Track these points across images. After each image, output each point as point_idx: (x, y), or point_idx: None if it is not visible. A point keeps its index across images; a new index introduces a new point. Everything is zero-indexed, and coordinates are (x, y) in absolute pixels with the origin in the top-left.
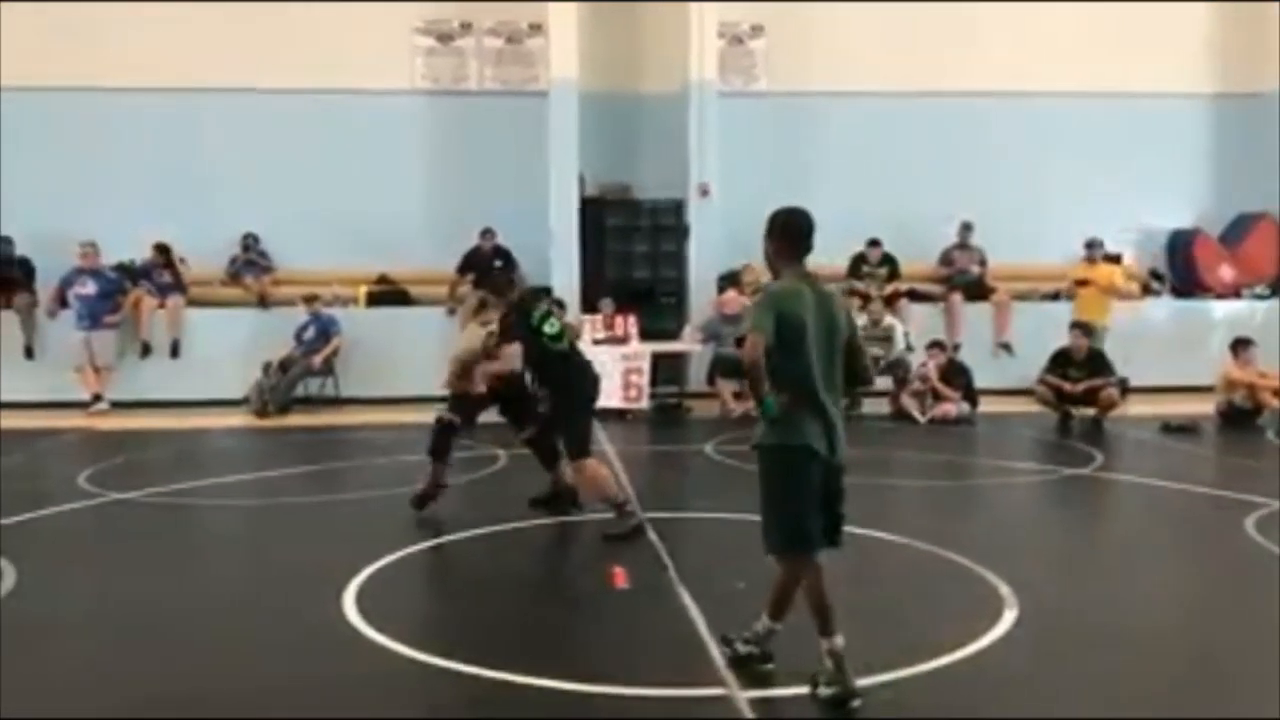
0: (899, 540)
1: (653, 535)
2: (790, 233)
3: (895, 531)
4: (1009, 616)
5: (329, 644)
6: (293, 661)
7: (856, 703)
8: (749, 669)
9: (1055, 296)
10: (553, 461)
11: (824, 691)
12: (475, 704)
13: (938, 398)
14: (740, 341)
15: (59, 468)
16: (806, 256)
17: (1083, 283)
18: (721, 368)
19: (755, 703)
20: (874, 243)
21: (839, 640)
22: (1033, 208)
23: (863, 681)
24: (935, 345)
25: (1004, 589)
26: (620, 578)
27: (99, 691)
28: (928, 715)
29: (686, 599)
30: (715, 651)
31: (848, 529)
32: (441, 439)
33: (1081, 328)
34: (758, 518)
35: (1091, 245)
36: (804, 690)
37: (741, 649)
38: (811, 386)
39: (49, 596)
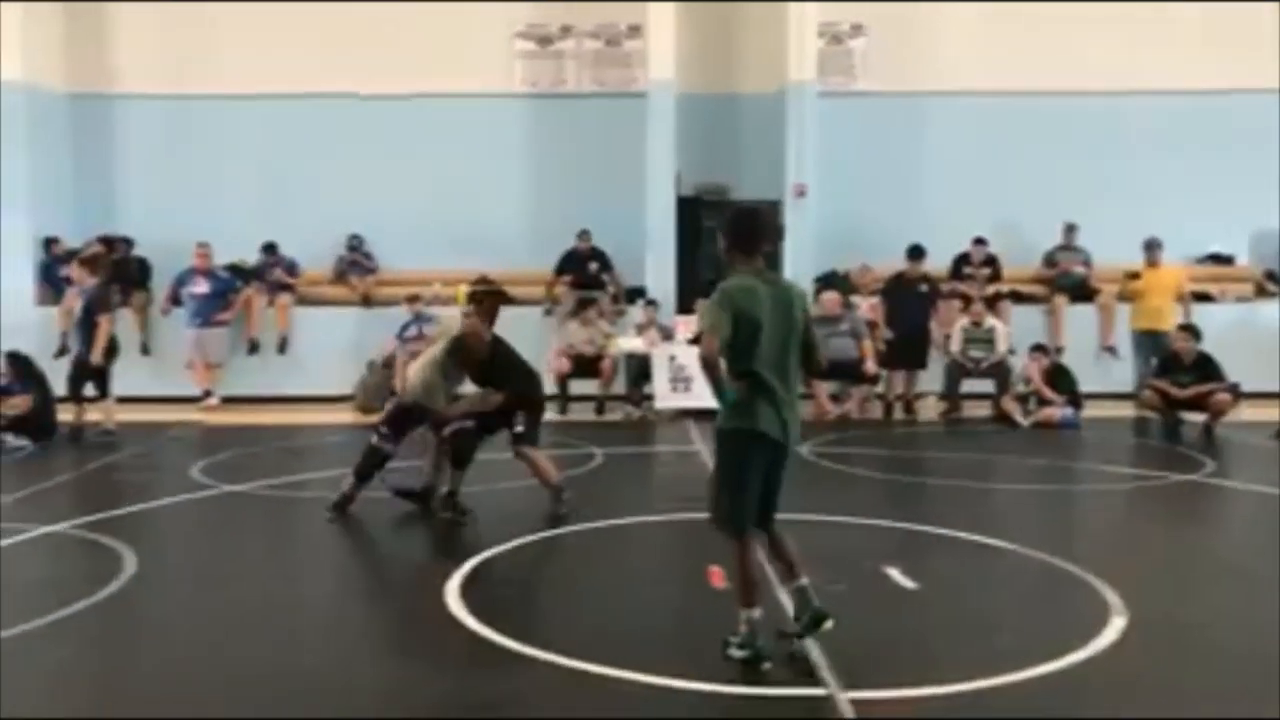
0: (1004, 545)
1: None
2: (741, 231)
3: (1000, 537)
4: (1117, 624)
5: (432, 633)
6: (396, 649)
7: (766, 665)
8: (847, 671)
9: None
10: (465, 462)
11: (735, 653)
12: (579, 697)
13: (1041, 402)
14: (697, 340)
15: (174, 460)
16: (760, 254)
17: (1134, 275)
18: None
19: (857, 703)
20: (979, 241)
21: (757, 613)
22: (1140, 208)
23: (968, 686)
24: (1038, 349)
25: (1112, 596)
26: (718, 577)
27: (214, 670)
28: None
29: (785, 599)
30: (816, 652)
31: (952, 534)
32: (370, 464)
33: (1189, 330)
34: (857, 520)
35: (1150, 246)
36: (907, 692)
37: (736, 653)
38: (765, 377)
39: (168, 581)
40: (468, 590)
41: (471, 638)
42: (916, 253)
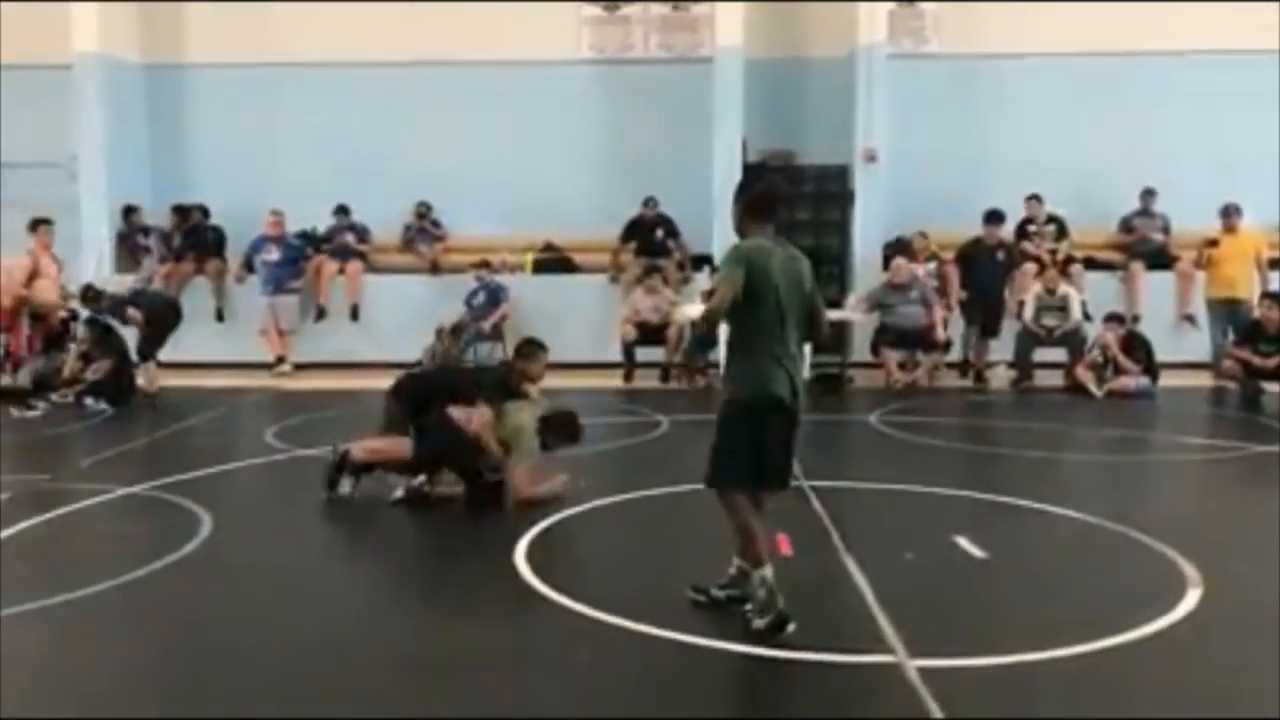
0: (1076, 515)
1: (816, 504)
2: (754, 199)
3: (1073, 507)
4: (1193, 596)
5: (501, 595)
6: (466, 607)
7: (792, 626)
8: (915, 639)
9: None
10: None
11: (758, 622)
12: (647, 661)
13: (1117, 370)
14: (709, 295)
15: (248, 424)
16: (772, 222)
17: (1212, 243)
18: (886, 338)
19: (924, 671)
20: (1034, 197)
21: (768, 571)
22: (1220, 174)
23: (1038, 656)
24: (1113, 318)
25: (1188, 568)
26: (785, 544)
27: (289, 628)
28: (1108, 691)
29: (852, 567)
30: (883, 620)
31: (1023, 503)
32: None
33: (1274, 298)
34: (926, 489)
35: (1228, 212)
36: (976, 661)
37: (758, 623)
38: (772, 336)
39: (243, 542)
40: (535, 553)
41: (537, 598)
42: (995, 217)
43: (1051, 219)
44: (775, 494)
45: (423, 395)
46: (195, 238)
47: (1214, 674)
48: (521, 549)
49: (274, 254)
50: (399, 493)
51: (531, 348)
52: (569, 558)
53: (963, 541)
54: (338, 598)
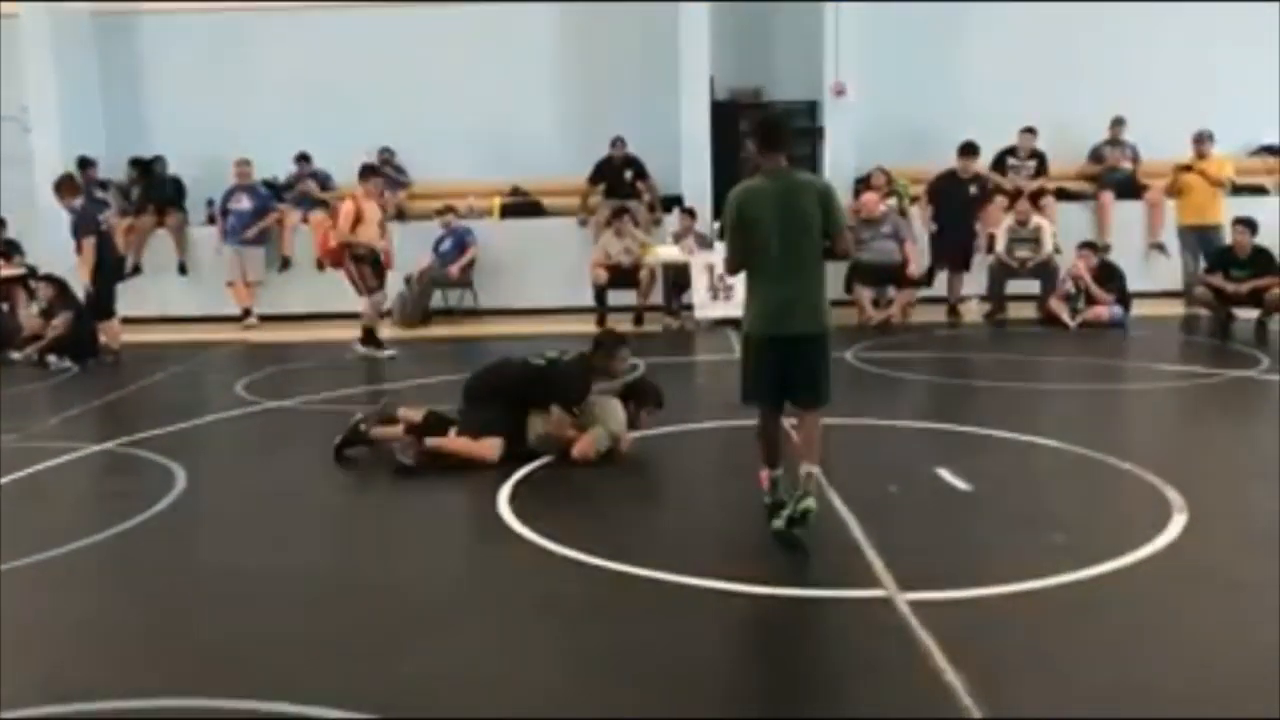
0: (1058, 445)
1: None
2: (762, 133)
3: (1053, 437)
4: (1178, 521)
5: (484, 538)
6: (454, 556)
7: (783, 514)
8: (904, 573)
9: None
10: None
11: (767, 499)
12: (638, 602)
13: (1090, 301)
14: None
15: (217, 378)
16: (781, 153)
17: (1185, 169)
18: (860, 274)
19: (915, 605)
20: (1028, 130)
21: (778, 471)
22: (1190, 101)
23: (1029, 586)
24: (1087, 246)
25: (1171, 494)
26: (765, 480)
27: (273, 580)
28: (1103, 619)
29: (837, 502)
30: (871, 554)
31: (1004, 435)
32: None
33: (1246, 224)
34: (906, 423)
35: (1200, 139)
36: (966, 592)
37: (767, 499)
38: (772, 271)
39: (220, 496)
40: (517, 499)
41: (525, 543)
42: (969, 149)
43: (1035, 154)
44: (812, 409)
45: (511, 393)
46: (154, 190)
47: (1206, 596)
48: (504, 495)
49: (243, 203)
50: (407, 459)
51: (613, 343)
52: (553, 502)
53: (945, 474)
54: (319, 549)
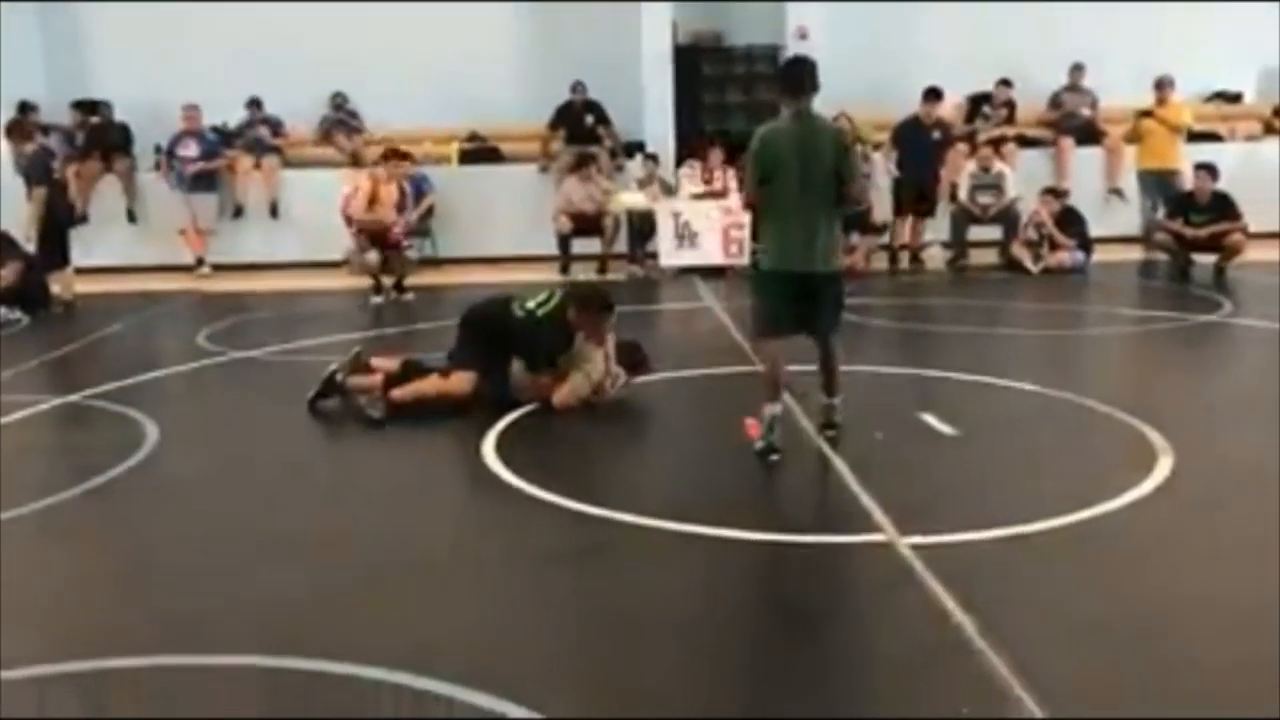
0: (1036, 389)
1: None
2: (785, 77)
3: (1030, 381)
4: (1165, 463)
5: (472, 487)
6: (437, 501)
7: (775, 457)
8: (902, 517)
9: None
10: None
11: (758, 444)
12: (640, 551)
13: (1052, 246)
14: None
15: (176, 328)
16: (802, 97)
17: (1146, 114)
18: None
19: (917, 548)
20: (1004, 82)
21: (777, 409)
22: (1147, 48)
23: (1027, 529)
24: (1049, 192)
25: (1154, 436)
26: (754, 429)
27: (256, 533)
28: (1103, 559)
29: (826, 449)
30: (867, 499)
31: (981, 379)
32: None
33: (1208, 169)
34: (882, 369)
35: (1161, 84)
36: (966, 536)
37: (758, 445)
38: (788, 206)
39: (194, 447)
40: (503, 447)
41: (515, 492)
42: (933, 95)
43: (1007, 103)
44: (819, 337)
45: (492, 334)
46: (100, 135)
47: (1202, 533)
48: (490, 443)
49: (191, 149)
50: (376, 412)
51: (599, 307)
52: (539, 450)
53: (930, 419)
54: (304, 502)
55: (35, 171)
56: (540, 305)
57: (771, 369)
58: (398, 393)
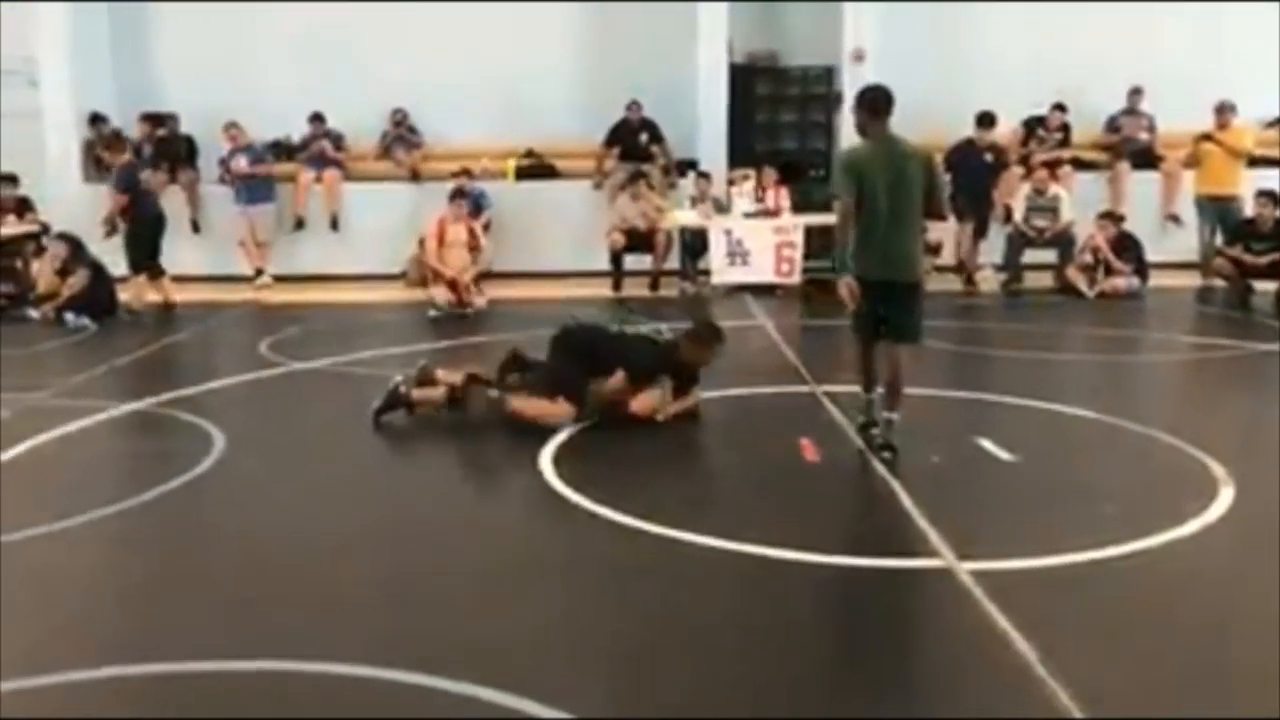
0: (1094, 416)
1: (833, 409)
2: (871, 104)
3: (1088, 407)
4: (1226, 494)
5: (532, 502)
6: (498, 515)
7: (875, 430)
8: (961, 542)
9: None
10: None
11: (859, 418)
12: (692, 567)
13: (1109, 271)
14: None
15: (239, 338)
16: (886, 119)
17: (1206, 138)
18: None
19: (977, 574)
20: (1059, 107)
21: (873, 395)
22: (1207, 72)
23: (1087, 556)
24: (1106, 216)
25: (1215, 466)
26: (809, 450)
27: (324, 538)
28: (1168, 588)
29: (882, 471)
30: (924, 524)
31: (1038, 405)
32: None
33: (1270, 196)
34: (937, 392)
35: (1222, 109)
36: (1024, 563)
37: (859, 418)
38: (876, 224)
39: (261, 456)
40: (560, 463)
41: (573, 508)
42: (986, 120)
43: (1063, 127)
44: (902, 342)
45: (588, 353)
46: (167, 147)
47: (1268, 565)
48: (547, 458)
49: (242, 164)
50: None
51: (711, 336)
52: (597, 467)
53: (987, 444)
54: (368, 514)
55: (122, 183)
56: (657, 334)
57: (861, 361)
58: (517, 403)
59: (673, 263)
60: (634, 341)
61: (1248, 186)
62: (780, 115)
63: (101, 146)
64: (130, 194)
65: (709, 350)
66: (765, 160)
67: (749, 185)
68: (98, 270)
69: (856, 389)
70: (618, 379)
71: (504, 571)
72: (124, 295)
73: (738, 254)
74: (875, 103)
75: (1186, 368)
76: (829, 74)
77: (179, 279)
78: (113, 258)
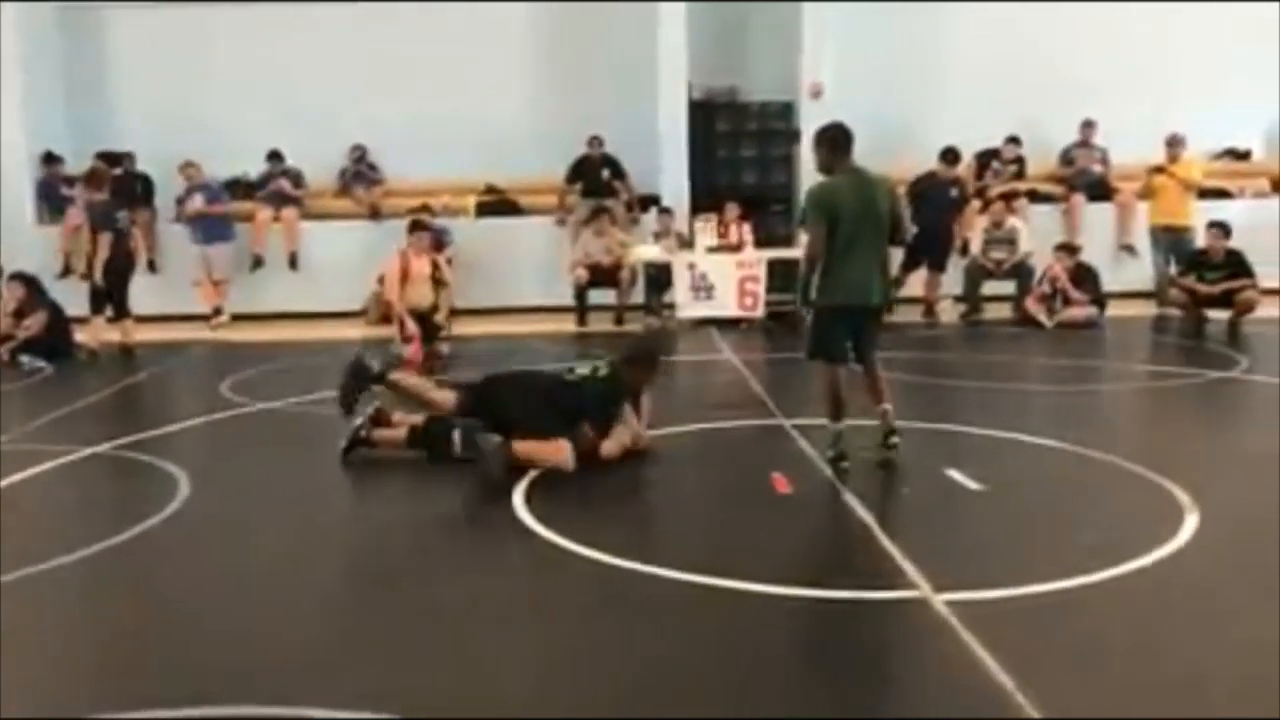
0: (1058, 445)
1: (802, 443)
2: (838, 140)
3: (1052, 437)
4: (1191, 520)
5: (504, 539)
6: (471, 556)
7: (845, 464)
8: (935, 573)
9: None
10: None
11: (829, 451)
12: (666, 603)
13: (1066, 301)
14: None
15: (199, 379)
16: (849, 154)
17: (1158, 170)
18: None
19: (953, 605)
20: (1013, 139)
21: (841, 425)
22: (1157, 105)
23: (1059, 585)
24: (1063, 248)
25: (1179, 493)
26: (781, 483)
27: (293, 581)
28: (1143, 615)
29: (854, 503)
30: (898, 555)
31: (1002, 435)
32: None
33: (1220, 227)
34: (901, 423)
35: (1173, 141)
36: (998, 593)
37: (829, 452)
38: (846, 256)
39: (228, 499)
40: (532, 500)
41: (546, 544)
42: (950, 155)
43: (1017, 159)
44: (870, 360)
45: (563, 404)
46: (123, 185)
47: (1237, 590)
48: (519, 495)
49: (197, 202)
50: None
51: (652, 358)
52: (569, 503)
53: (956, 474)
54: (335, 551)
55: (102, 220)
56: (595, 371)
57: (830, 389)
58: (520, 446)
59: (637, 297)
60: (587, 388)
61: (1199, 217)
62: (741, 150)
63: (82, 180)
64: (114, 233)
65: (651, 370)
66: (727, 195)
67: (711, 224)
68: (56, 311)
69: (825, 421)
70: (586, 434)
71: (476, 609)
72: (81, 336)
73: (702, 288)
74: (835, 141)
75: (1146, 396)
76: (788, 109)
77: (138, 320)
78: (68, 298)
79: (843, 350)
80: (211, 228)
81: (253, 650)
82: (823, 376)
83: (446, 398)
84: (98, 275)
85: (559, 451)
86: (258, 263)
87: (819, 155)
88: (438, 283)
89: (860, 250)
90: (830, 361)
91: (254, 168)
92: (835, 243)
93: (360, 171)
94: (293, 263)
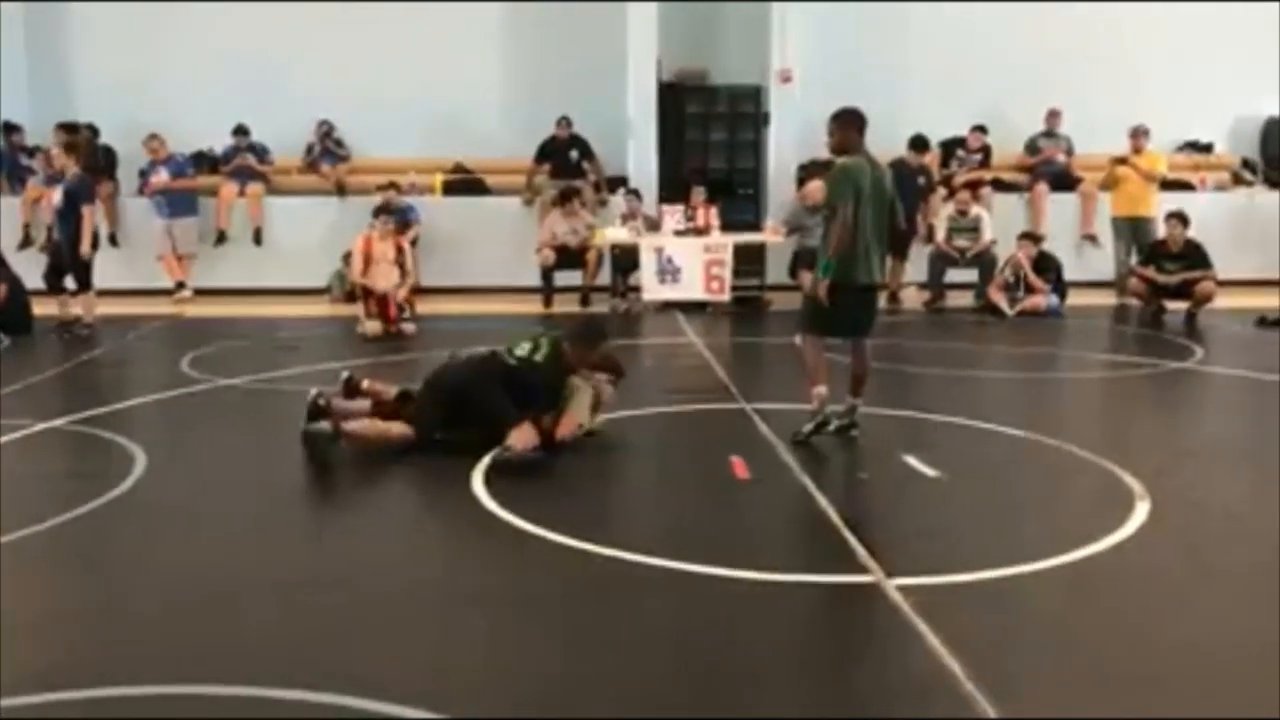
0: (1016, 433)
1: (763, 428)
2: (856, 123)
3: (1010, 424)
4: (1142, 508)
5: (464, 522)
6: (436, 540)
7: (831, 425)
8: (888, 558)
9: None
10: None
11: (805, 427)
12: (622, 585)
13: (1028, 290)
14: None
15: (159, 354)
16: (864, 136)
17: (1121, 161)
18: (805, 260)
19: (904, 589)
20: (979, 128)
21: (823, 389)
22: (1122, 97)
23: (1013, 571)
24: (1026, 237)
25: (1131, 481)
26: (740, 468)
27: (248, 561)
28: (1088, 601)
29: (811, 488)
30: (854, 541)
31: (962, 422)
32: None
33: (1179, 218)
34: (865, 410)
35: (1136, 133)
36: (952, 578)
37: (805, 428)
38: (864, 232)
39: (184, 476)
40: (492, 483)
41: (507, 528)
42: (920, 143)
43: (983, 148)
44: (866, 335)
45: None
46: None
47: (1185, 576)
48: (479, 478)
49: (162, 176)
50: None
51: (596, 335)
52: (529, 486)
53: (913, 461)
54: (291, 533)
55: (86, 190)
56: (534, 351)
57: (817, 359)
58: (349, 426)
59: (604, 279)
60: (529, 375)
61: (1162, 209)
62: (710, 134)
63: (62, 148)
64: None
65: (594, 348)
66: (694, 178)
67: (679, 207)
68: (15, 284)
69: (786, 405)
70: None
71: (436, 592)
72: (76, 309)
73: (668, 271)
74: (860, 120)
75: (1103, 385)
76: (757, 93)
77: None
78: (27, 270)
79: (840, 326)
80: (176, 203)
81: (198, 629)
82: (813, 346)
83: (406, 433)
84: (86, 249)
85: (526, 435)
86: (221, 238)
87: (836, 136)
88: (402, 267)
89: (871, 230)
90: (824, 335)
91: (219, 142)
92: (858, 217)
93: (327, 148)
94: (257, 238)
